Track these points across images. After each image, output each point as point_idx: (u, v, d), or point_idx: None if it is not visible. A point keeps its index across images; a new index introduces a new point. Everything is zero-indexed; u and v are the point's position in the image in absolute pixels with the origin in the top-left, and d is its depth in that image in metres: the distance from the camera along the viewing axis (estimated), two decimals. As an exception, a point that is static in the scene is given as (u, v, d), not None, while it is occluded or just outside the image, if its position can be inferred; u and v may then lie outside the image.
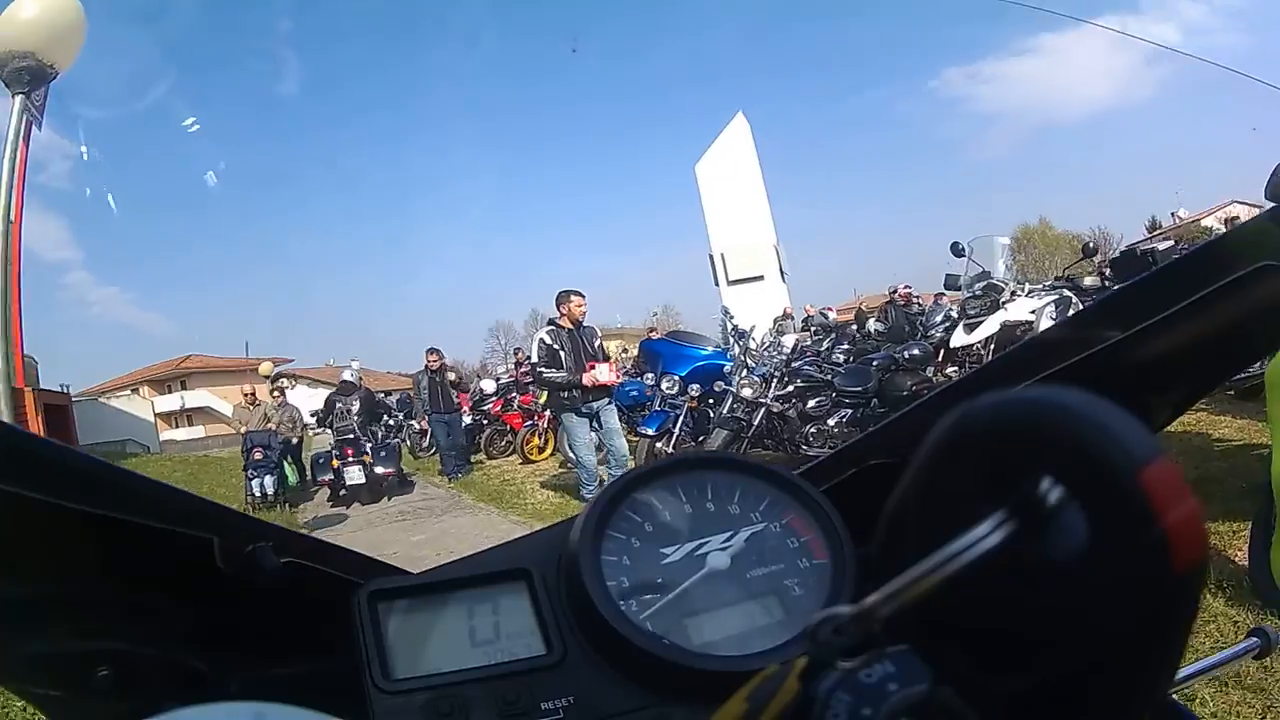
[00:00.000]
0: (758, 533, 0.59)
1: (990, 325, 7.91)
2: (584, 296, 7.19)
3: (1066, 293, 7.92)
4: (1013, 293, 8.19)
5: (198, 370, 41.35)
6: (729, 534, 0.58)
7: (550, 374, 6.91)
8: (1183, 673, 0.59)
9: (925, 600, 0.27)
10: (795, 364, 7.65)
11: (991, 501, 0.27)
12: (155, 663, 0.53)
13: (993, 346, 7.76)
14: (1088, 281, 8.29)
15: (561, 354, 6.89)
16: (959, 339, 8.38)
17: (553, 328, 7.09)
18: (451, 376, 11.83)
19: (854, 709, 0.32)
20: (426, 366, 11.24)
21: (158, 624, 0.53)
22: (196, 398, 39.24)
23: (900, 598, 0.28)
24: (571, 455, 9.28)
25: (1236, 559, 3.38)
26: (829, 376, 7.44)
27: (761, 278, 13.95)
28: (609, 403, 7.11)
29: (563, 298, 7.14)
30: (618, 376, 6.98)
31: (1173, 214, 36.69)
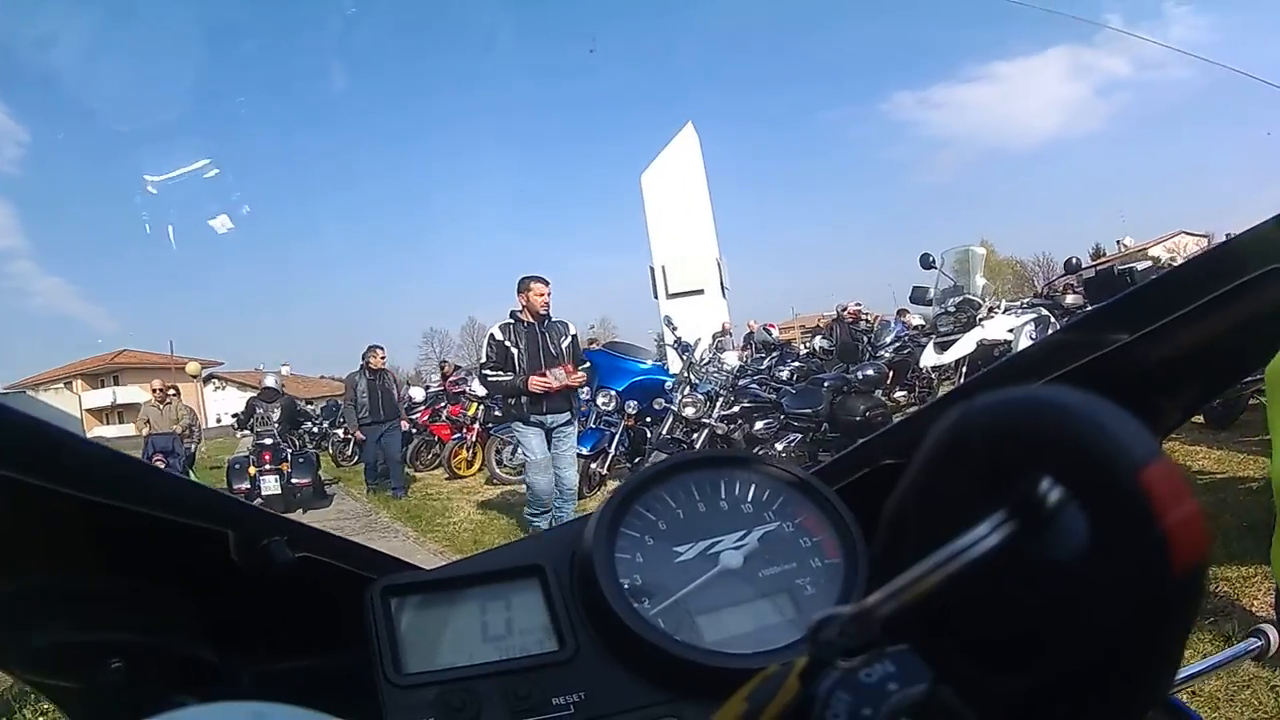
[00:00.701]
0: (771, 532, 0.59)
1: (965, 344, 7.56)
2: (547, 284, 5.96)
3: (1044, 311, 7.66)
4: (990, 309, 7.85)
5: (131, 366, 40.13)
6: (742, 533, 0.58)
7: (495, 376, 5.77)
8: (1183, 673, 0.59)
9: (925, 600, 0.27)
10: (741, 382, 7.38)
11: (991, 501, 0.27)
12: (167, 656, 0.54)
13: (964, 369, 7.42)
14: (1069, 300, 7.96)
15: (514, 352, 5.73)
16: (929, 359, 8.05)
17: (510, 321, 5.88)
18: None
19: (854, 709, 0.32)
20: (366, 365, 9.97)
21: (171, 617, 0.54)
22: (128, 394, 38.12)
23: (900, 598, 0.28)
24: (499, 474, 8.83)
25: (1253, 607, 3.05)
26: (777, 397, 7.15)
27: (702, 291, 13.82)
28: (568, 421, 5.96)
29: (522, 285, 5.90)
30: (579, 381, 5.93)
31: (1118, 241, 36.70)
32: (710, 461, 0.63)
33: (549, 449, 5.89)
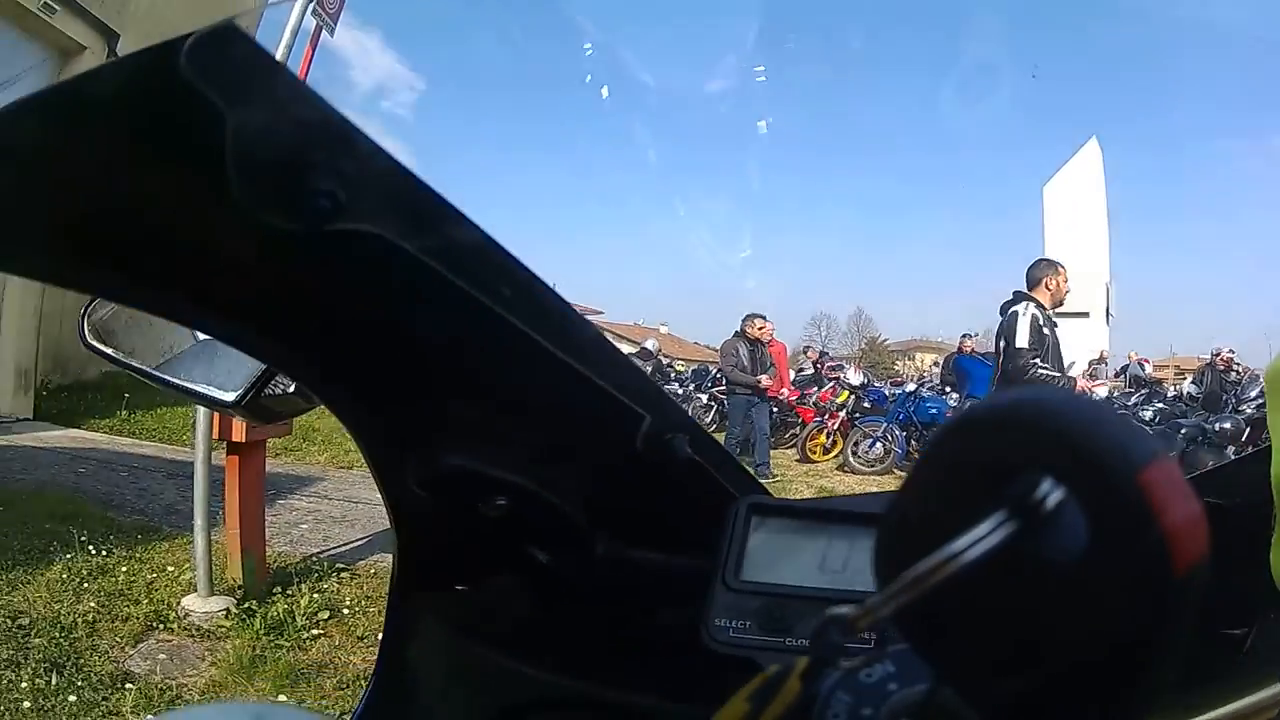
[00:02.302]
0: None
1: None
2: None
3: None
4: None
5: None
6: None
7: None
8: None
9: (925, 600, 0.27)
10: None
11: (991, 502, 0.27)
12: (545, 512, 0.57)
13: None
14: None
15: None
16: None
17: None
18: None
19: (854, 709, 0.32)
20: (744, 332, 9.25)
21: (564, 479, 0.57)
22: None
23: (900, 597, 0.27)
24: (854, 464, 8.83)
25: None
26: None
27: (1087, 315, 13.43)
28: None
29: None
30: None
31: None
32: None
33: None
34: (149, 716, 2.41)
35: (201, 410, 3.88)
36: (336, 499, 6.28)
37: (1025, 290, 5.33)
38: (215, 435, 3.91)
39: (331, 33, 5.03)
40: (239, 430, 3.86)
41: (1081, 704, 0.26)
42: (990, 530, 0.26)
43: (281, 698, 3.13)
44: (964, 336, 11.74)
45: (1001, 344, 5.26)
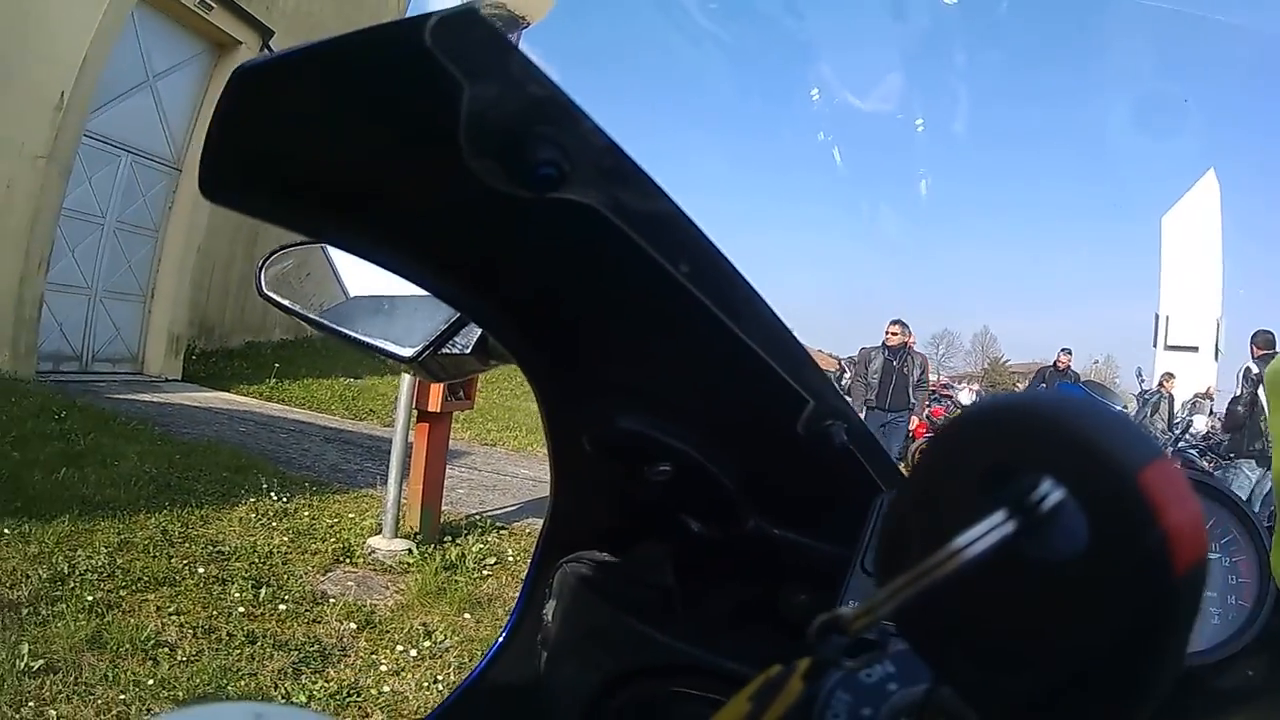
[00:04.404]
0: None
1: None
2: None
3: None
4: None
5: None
6: None
7: None
8: None
9: (925, 600, 0.27)
10: (1181, 446, 7.11)
11: (991, 501, 0.26)
12: (706, 481, 0.58)
13: None
14: None
15: None
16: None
17: None
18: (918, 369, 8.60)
19: (854, 709, 0.33)
20: (885, 343, 8.30)
21: (725, 450, 0.58)
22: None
23: (900, 597, 0.28)
24: None
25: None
26: (1209, 469, 6.72)
27: (1196, 349, 13.15)
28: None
29: None
30: None
31: None
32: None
33: None
34: (149, 716, 2.65)
35: (405, 383, 4.55)
36: (485, 471, 6.80)
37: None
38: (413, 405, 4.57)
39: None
40: (434, 401, 4.52)
41: (1081, 704, 0.26)
42: (990, 530, 0.26)
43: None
44: (1062, 351, 11.07)
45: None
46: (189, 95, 9.37)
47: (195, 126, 9.34)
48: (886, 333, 8.37)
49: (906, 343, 8.48)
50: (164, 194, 9.32)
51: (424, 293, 0.51)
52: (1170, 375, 10.20)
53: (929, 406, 10.44)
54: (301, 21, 10.09)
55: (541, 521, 0.67)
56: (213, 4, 8.85)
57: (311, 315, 0.77)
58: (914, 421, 8.33)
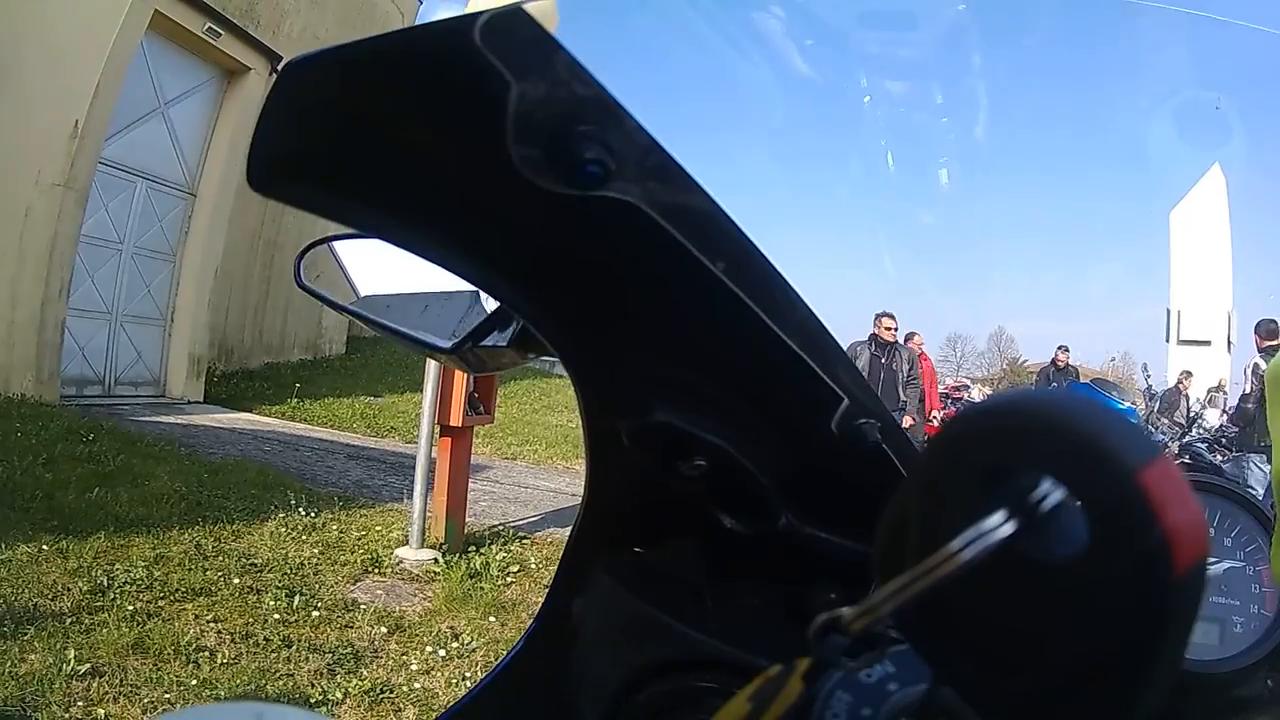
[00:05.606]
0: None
1: None
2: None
3: None
4: None
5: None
6: (1213, 561, 0.60)
7: None
8: None
9: (925, 600, 0.27)
10: (1188, 439, 7.09)
11: (991, 501, 0.27)
12: (740, 477, 0.58)
13: None
14: None
15: None
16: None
17: None
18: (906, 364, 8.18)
19: (854, 709, 0.33)
20: (875, 336, 7.87)
21: (760, 446, 0.58)
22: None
23: (900, 597, 0.28)
24: None
25: None
26: (1219, 461, 6.52)
27: (1209, 343, 12.91)
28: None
29: None
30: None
31: None
32: (1210, 488, 0.66)
33: None
34: (150, 717, 2.76)
35: (428, 399, 4.66)
36: (506, 484, 6.87)
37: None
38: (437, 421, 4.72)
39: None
40: (456, 416, 4.67)
41: (1081, 704, 0.26)
42: (990, 530, 0.26)
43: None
44: (1060, 349, 11.05)
45: None
46: (201, 121, 9.49)
47: (208, 152, 9.45)
48: (881, 327, 7.95)
49: (892, 337, 8.03)
50: (180, 219, 9.42)
51: (430, 290, 0.51)
52: (1188, 374, 10.11)
53: (944, 408, 10.29)
54: (309, 46, 9.89)
55: (563, 531, 0.70)
56: (220, 31, 8.97)
57: (350, 307, 0.78)
58: (906, 421, 7.99)
